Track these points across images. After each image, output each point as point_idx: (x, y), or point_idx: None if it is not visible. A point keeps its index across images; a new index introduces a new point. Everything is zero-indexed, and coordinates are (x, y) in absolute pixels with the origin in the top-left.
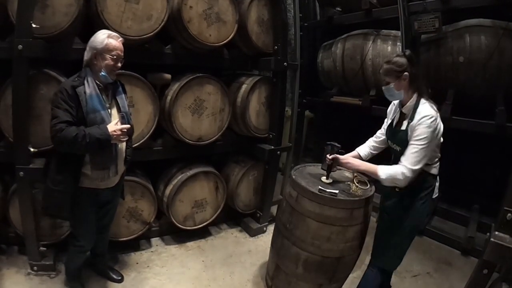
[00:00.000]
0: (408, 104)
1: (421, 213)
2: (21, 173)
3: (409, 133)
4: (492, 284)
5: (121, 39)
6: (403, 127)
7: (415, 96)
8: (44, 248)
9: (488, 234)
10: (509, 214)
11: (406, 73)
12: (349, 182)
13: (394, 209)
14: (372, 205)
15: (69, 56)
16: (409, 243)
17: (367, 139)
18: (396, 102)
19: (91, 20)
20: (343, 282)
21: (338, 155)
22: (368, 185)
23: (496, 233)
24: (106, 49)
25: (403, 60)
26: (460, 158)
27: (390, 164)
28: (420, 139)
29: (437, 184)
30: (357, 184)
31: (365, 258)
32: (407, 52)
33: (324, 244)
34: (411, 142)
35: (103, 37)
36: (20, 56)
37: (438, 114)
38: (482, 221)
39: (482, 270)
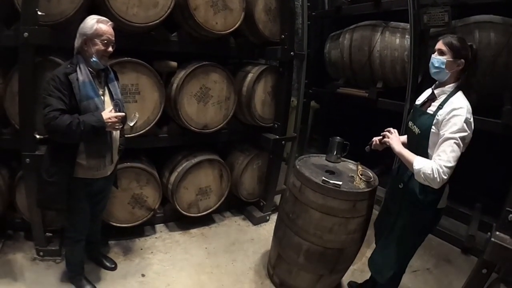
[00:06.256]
0: (444, 87)
1: (420, 222)
2: (27, 160)
3: (438, 120)
4: (491, 284)
5: (110, 23)
6: (430, 110)
7: (454, 85)
8: (50, 234)
9: (489, 233)
10: (510, 215)
11: (463, 60)
12: (353, 174)
13: (396, 211)
14: (375, 198)
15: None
16: (404, 255)
17: (372, 131)
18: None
19: (97, 7)
20: (344, 274)
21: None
22: (372, 178)
23: (497, 233)
24: (96, 34)
25: (469, 48)
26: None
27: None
28: (457, 131)
29: (447, 191)
30: (360, 176)
31: (366, 251)
32: (474, 46)
33: (326, 235)
34: (446, 134)
35: (92, 22)
36: (26, 43)
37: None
38: (484, 220)
39: (481, 269)
